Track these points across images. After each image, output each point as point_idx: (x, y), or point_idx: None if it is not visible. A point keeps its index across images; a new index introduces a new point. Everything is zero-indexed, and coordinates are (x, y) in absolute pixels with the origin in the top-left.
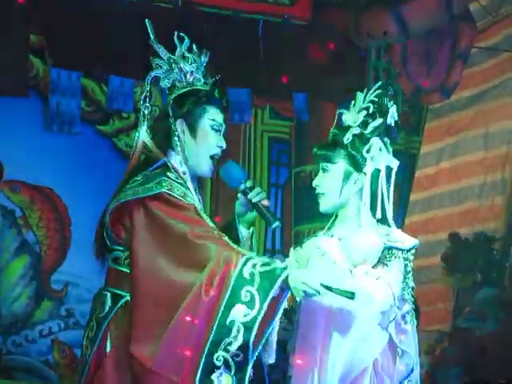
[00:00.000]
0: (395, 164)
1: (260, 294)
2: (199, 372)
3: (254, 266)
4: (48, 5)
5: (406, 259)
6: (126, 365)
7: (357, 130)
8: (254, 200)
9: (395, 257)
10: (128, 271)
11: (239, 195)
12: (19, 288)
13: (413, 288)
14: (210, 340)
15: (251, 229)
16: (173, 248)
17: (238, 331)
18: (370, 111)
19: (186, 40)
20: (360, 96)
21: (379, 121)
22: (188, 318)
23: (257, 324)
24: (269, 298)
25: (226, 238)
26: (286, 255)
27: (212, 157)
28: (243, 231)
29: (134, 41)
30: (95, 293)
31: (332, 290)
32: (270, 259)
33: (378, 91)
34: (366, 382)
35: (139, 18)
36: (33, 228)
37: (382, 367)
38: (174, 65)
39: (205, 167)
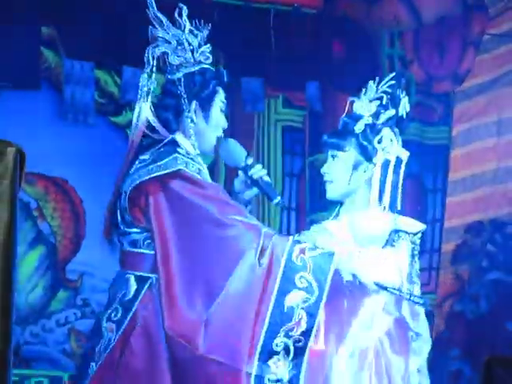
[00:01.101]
0: (405, 155)
1: (317, 281)
2: (256, 357)
3: (303, 250)
4: None
5: (412, 243)
6: (154, 341)
7: (369, 120)
8: (255, 176)
9: (402, 240)
10: (147, 252)
11: (240, 172)
12: (35, 279)
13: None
14: (267, 323)
15: (248, 207)
16: (202, 228)
17: (301, 317)
18: (384, 102)
19: (186, 12)
20: (372, 85)
21: (392, 112)
22: (241, 292)
23: (320, 310)
24: (327, 285)
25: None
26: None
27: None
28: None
29: (146, 31)
30: (114, 277)
31: (388, 290)
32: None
33: (391, 82)
34: (366, 362)
35: (147, 8)
36: (47, 219)
37: (390, 348)
38: (183, 40)
39: (209, 147)
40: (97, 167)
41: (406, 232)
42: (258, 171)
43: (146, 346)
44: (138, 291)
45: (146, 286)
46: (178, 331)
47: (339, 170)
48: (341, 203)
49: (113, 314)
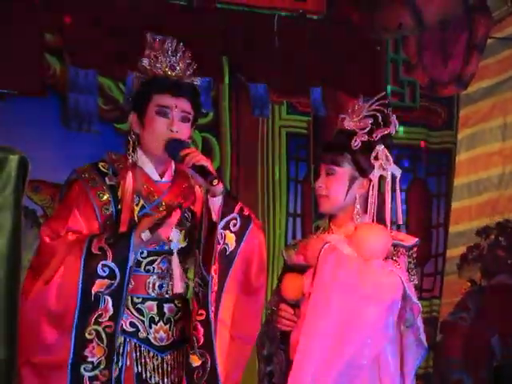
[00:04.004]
0: (399, 172)
1: (118, 264)
2: (71, 350)
3: (101, 240)
4: (62, 3)
5: (408, 256)
6: None
7: (365, 137)
8: (189, 166)
9: (401, 253)
10: None
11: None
12: None
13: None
14: (76, 319)
15: (217, 198)
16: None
17: (107, 302)
18: (378, 120)
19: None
20: (360, 102)
21: (386, 129)
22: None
23: (124, 293)
24: (128, 265)
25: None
26: None
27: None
28: (210, 201)
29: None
30: None
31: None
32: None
33: (381, 101)
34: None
35: (154, 16)
36: None
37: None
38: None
39: (157, 152)
40: None
41: (403, 246)
42: (190, 159)
43: None
44: None
45: None
46: None
47: (336, 185)
48: (330, 217)
49: None
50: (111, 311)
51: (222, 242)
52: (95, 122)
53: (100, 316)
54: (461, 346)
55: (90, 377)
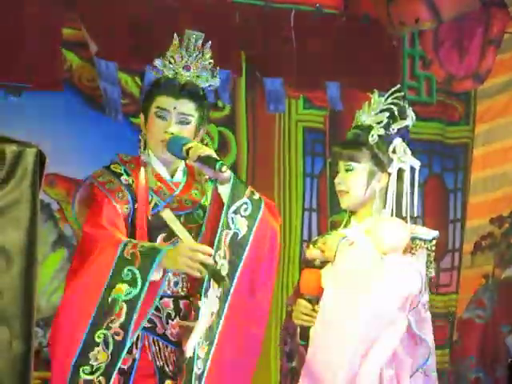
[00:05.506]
0: (417, 164)
1: (141, 272)
2: (78, 350)
3: (135, 246)
4: None
5: (428, 249)
6: None
7: (381, 131)
8: (194, 159)
9: (419, 247)
10: None
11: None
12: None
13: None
14: (91, 319)
15: (226, 185)
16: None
17: (121, 308)
18: (394, 113)
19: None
20: (376, 97)
21: (403, 122)
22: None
23: (139, 302)
24: (150, 276)
25: (117, 232)
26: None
27: (163, 141)
28: (220, 189)
29: (168, 34)
30: None
31: (207, 268)
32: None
33: (397, 94)
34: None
35: (173, 11)
36: (69, 221)
37: (403, 350)
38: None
39: (156, 153)
40: None
41: (423, 239)
42: (194, 152)
43: None
44: None
45: None
46: None
47: (356, 181)
48: (349, 213)
49: None
50: (123, 319)
51: (232, 227)
52: (119, 111)
53: (112, 321)
54: (478, 344)
55: (85, 380)
